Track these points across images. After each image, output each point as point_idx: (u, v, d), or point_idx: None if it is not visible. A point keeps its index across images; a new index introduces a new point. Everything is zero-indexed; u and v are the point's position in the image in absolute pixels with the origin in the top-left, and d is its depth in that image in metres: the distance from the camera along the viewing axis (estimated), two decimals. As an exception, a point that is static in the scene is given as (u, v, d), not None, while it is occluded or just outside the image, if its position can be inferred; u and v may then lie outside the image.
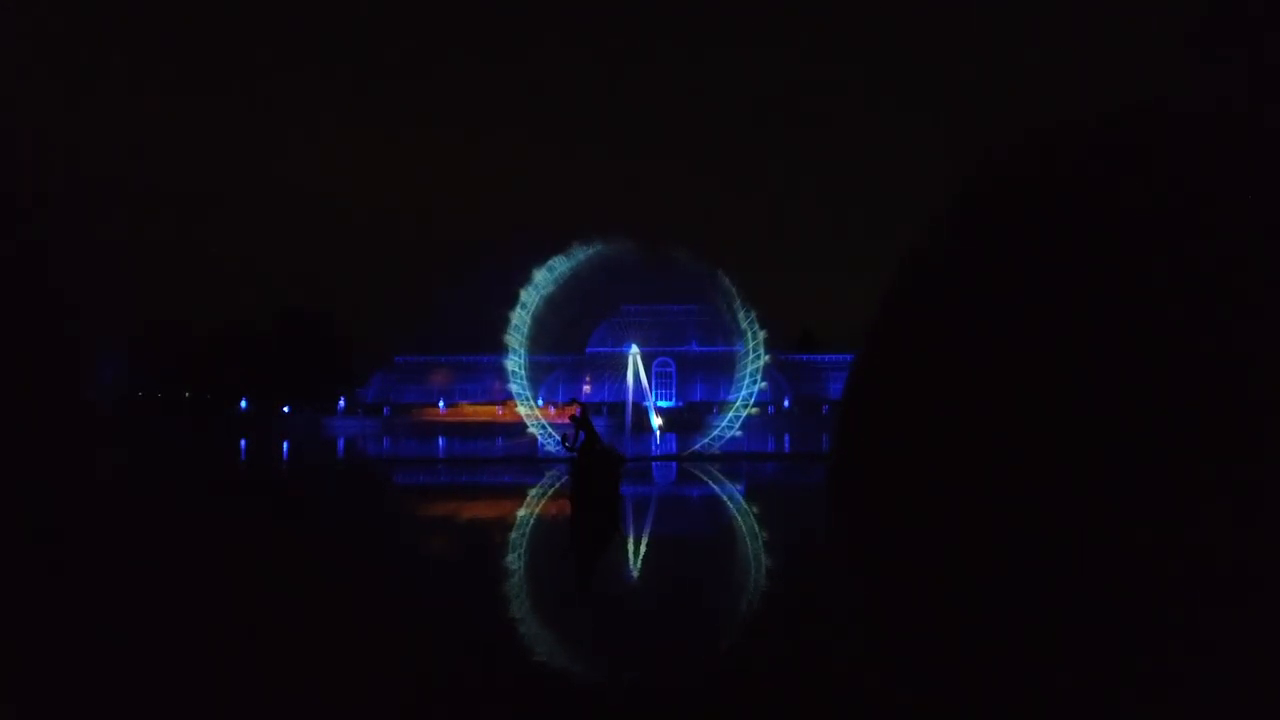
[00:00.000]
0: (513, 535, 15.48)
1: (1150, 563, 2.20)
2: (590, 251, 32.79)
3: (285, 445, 48.51)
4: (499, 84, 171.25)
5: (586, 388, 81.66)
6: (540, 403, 35.85)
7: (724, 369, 78.97)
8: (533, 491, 23.38)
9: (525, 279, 33.69)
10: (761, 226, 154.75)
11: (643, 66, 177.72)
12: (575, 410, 20.05)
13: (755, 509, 19.61)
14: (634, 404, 52.54)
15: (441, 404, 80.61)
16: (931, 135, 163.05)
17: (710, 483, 25.49)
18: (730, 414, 34.74)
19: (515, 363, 33.38)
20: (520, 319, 33.20)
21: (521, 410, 33.20)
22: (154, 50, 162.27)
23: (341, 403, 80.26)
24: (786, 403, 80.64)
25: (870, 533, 2.77)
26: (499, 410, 71.96)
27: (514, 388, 33.57)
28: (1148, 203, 2.38)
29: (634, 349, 53.41)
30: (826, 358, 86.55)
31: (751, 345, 34.32)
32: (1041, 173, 2.82)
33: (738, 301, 33.74)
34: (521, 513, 19.05)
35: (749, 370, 34.76)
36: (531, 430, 33.13)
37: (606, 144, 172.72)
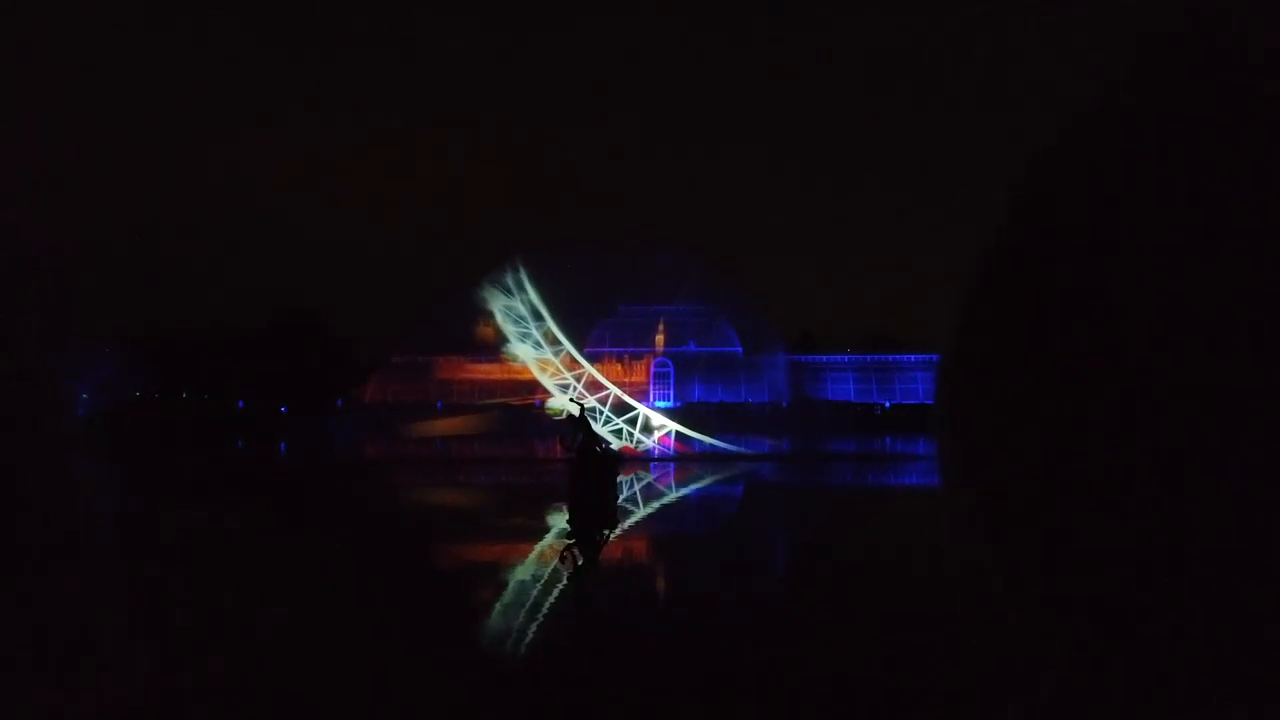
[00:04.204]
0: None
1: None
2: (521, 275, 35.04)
3: (283, 445, 48.40)
4: (502, 81, 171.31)
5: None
6: (539, 403, 36.70)
7: (722, 369, 79.08)
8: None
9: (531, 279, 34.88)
10: (761, 226, 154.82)
11: (639, 65, 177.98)
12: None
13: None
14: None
15: (440, 404, 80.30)
16: (933, 135, 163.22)
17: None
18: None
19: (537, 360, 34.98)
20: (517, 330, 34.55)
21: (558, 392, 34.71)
22: (153, 48, 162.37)
23: (339, 402, 79.94)
24: (785, 404, 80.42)
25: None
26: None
27: (554, 396, 35.71)
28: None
29: None
30: (826, 358, 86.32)
31: None
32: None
33: None
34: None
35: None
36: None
37: (603, 144, 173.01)
